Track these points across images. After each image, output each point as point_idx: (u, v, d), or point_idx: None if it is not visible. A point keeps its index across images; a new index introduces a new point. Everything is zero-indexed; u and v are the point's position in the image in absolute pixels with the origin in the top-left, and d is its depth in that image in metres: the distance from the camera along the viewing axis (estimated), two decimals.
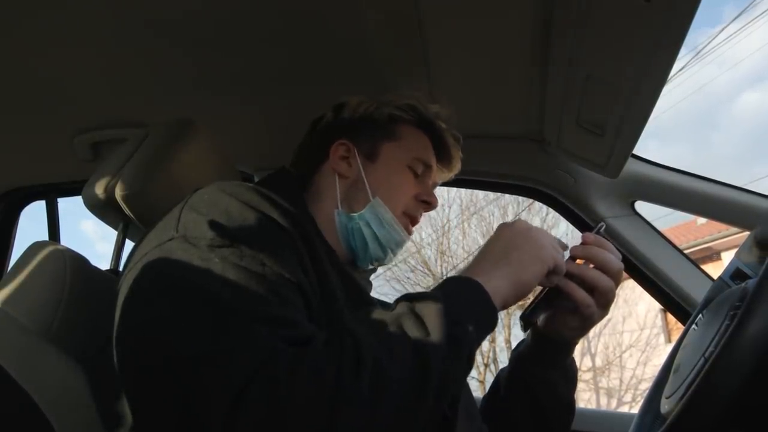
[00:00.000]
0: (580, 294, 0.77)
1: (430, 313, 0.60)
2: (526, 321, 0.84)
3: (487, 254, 0.72)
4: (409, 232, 0.94)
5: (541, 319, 0.87)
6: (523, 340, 0.95)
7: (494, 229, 0.78)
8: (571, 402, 0.93)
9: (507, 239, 0.73)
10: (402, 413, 0.55)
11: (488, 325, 0.66)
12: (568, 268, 0.78)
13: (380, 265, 0.96)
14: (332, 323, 0.66)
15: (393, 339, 0.58)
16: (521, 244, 0.72)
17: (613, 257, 0.79)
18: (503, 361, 9.95)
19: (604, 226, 0.83)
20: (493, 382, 1.00)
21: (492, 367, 10.20)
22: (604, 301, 0.79)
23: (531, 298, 0.82)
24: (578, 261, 0.81)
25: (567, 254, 0.80)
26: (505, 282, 0.69)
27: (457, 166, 1.06)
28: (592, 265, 0.80)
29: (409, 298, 0.64)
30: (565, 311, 0.83)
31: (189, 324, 0.57)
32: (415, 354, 0.57)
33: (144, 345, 0.59)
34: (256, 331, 0.56)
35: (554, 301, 0.80)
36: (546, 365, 0.90)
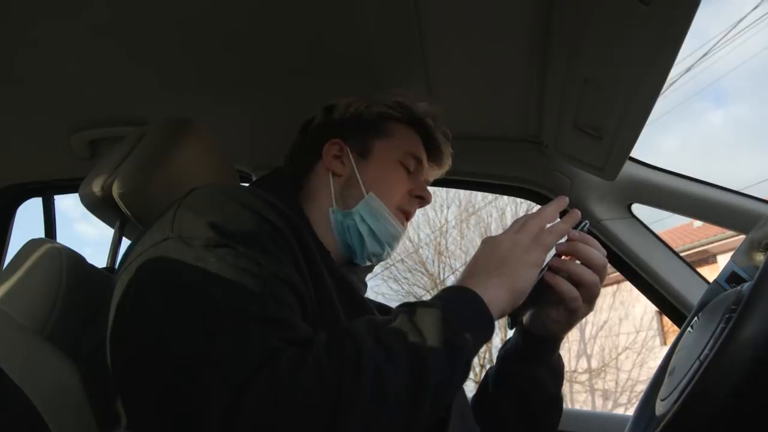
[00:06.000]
0: (566, 287, 0.79)
1: (429, 321, 0.62)
2: (513, 317, 0.86)
3: (480, 266, 0.73)
4: (404, 226, 0.96)
5: (526, 316, 0.89)
6: (509, 338, 0.96)
7: (492, 231, 0.80)
8: (558, 397, 0.94)
9: (496, 249, 0.74)
10: (398, 418, 0.56)
11: (485, 334, 0.67)
12: (553, 264, 0.80)
13: (378, 261, 0.97)
14: (327, 324, 0.66)
15: (392, 345, 0.59)
16: (510, 250, 0.73)
17: (597, 252, 0.81)
18: None
19: (588, 224, 0.86)
20: (482, 380, 1.01)
21: (488, 367, 10.19)
22: (589, 296, 0.81)
23: None
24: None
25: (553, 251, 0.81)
26: (501, 291, 0.70)
27: (447, 163, 1.07)
28: (577, 261, 0.81)
29: (408, 306, 0.65)
30: (550, 305, 0.84)
31: (185, 323, 0.57)
32: (413, 361, 0.58)
33: (139, 344, 0.59)
34: (252, 331, 0.56)
35: (540, 296, 0.81)
36: (532, 362, 0.91)
